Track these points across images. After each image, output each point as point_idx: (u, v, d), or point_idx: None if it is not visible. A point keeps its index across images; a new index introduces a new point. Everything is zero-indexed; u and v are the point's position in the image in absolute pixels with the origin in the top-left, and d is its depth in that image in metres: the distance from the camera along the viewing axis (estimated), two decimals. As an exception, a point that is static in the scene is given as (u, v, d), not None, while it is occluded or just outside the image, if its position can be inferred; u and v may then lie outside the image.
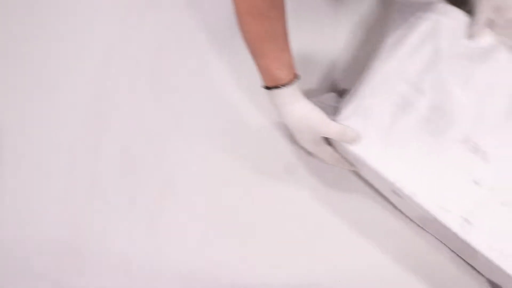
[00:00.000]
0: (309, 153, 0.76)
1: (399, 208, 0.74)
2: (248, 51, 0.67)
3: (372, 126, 0.69)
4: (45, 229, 0.79)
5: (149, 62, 0.84)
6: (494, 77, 0.69)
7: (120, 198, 0.79)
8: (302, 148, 0.74)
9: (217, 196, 0.78)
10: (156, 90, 0.83)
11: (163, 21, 0.85)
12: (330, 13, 0.82)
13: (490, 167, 0.66)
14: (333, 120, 0.69)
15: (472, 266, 0.72)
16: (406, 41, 0.71)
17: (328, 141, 0.72)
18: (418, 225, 0.74)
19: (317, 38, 0.81)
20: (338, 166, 0.74)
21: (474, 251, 0.65)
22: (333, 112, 0.71)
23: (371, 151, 0.68)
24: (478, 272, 0.72)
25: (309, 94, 0.70)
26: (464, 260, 0.72)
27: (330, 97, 0.75)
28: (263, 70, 0.67)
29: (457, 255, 0.73)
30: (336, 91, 0.79)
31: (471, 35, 0.70)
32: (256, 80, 0.69)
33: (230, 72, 0.82)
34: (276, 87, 0.67)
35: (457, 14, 0.72)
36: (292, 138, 0.75)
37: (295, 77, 0.68)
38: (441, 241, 0.73)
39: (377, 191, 0.75)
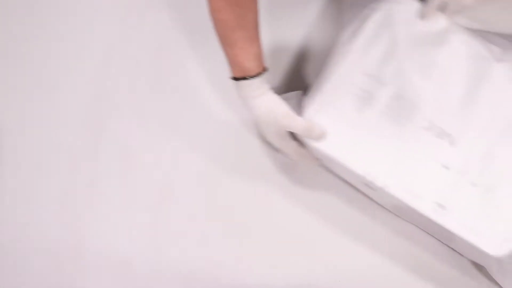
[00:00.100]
0: (275, 149, 0.76)
1: (373, 199, 0.75)
2: (218, 40, 0.67)
3: (336, 122, 0.69)
4: (45, 229, 0.79)
5: (149, 62, 0.84)
6: (450, 60, 0.70)
7: (120, 198, 0.79)
8: (268, 142, 0.73)
9: (216, 196, 0.78)
10: (156, 90, 0.83)
11: (163, 21, 0.85)
12: (301, 6, 0.82)
13: (457, 150, 0.67)
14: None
15: (453, 249, 0.73)
16: (361, 33, 0.72)
17: (293, 136, 0.71)
18: (394, 214, 0.74)
19: (288, 31, 0.82)
20: (302, 162, 0.74)
21: (450, 234, 0.66)
22: (298, 110, 0.71)
23: (338, 147, 0.68)
24: (460, 254, 0.72)
25: (276, 91, 0.69)
26: (446, 245, 0.73)
27: (296, 95, 0.75)
28: (232, 61, 0.67)
29: (437, 239, 0.73)
30: (305, 85, 0.79)
31: (423, 17, 0.71)
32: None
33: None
34: (244, 78, 0.67)
35: (409, 0, 0.72)
36: (259, 133, 0.75)
37: (264, 69, 0.68)
38: (418, 227, 0.73)
39: (347, 183, 0.75)
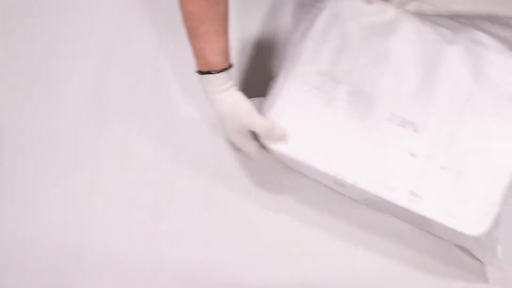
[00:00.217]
0: (236, 147, 0.75)
1: (345, 195, 0.74)
2: (186, 32, 0.66)
3: (298, 124, 0.69)
4: (45, 229, 0.79)
5: (149, 62, 0.84)
6: (403, 48, 0.70)
7: (120, 198, 0.79)
8: (228, 140, 0.73)
9: (217, 196, 0.78)
10: (156, 90, 0.83)
11: (163, 21, 0.85)
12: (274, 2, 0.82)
13: (422, 137, 0.67)
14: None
15: (433, 234, 0.72)
16: (310, 33, 0.72)
17: (255, 136, 0.71)
18: (367, 206, 0.74)
19: (254, 26, 0.82)
20: (262, 163, 0.73)
21: (428, 220, 0.66)
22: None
23: (303, 149, 0.68)
24: (442, 238, 0.72)
25: (241, 88, 0.69)
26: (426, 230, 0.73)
27: (260, 101, 0.73)
28: (198, 54, 0.67)
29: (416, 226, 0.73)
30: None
31: (368, 1, 0.71)
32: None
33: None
34: (209, 72, 0.67)
35: None
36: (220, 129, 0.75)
37: (229, 65, 0.68)
38: (394, 216, 0.73)
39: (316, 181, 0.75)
